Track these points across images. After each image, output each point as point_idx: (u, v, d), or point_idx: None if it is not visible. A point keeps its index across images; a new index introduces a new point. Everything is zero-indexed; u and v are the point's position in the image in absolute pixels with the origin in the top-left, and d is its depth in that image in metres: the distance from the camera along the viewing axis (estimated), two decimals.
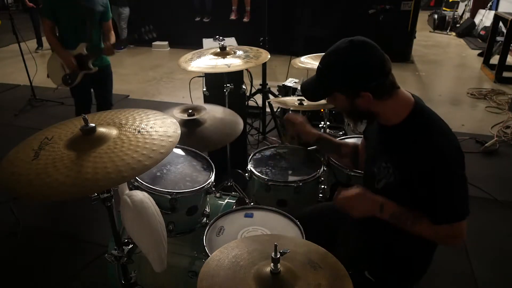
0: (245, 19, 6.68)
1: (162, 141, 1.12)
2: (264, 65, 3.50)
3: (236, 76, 2.57)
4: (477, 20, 8.25)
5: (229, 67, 2.03)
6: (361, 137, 1.70)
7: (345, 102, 1.25)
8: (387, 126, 1.28)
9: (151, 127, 1.19)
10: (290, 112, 1.78)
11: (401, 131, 1.24)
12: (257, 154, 2.03)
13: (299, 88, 3.30)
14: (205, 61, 2.12)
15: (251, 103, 3.45)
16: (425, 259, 1.40)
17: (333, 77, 1.23)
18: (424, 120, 1.22)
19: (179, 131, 1.19)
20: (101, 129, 1.15)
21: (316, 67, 1.29)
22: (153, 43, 7.38)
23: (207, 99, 2.61)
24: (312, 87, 1.34)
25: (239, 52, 2.21)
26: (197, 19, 7.06)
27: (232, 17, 6.71)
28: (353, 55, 1.19)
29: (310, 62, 2.65)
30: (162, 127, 1.20)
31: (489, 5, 8.08)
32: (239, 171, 2.66)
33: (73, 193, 0.97)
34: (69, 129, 1.22)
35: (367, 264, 1.36)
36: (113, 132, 1.16)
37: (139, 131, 1.16)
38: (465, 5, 9.13)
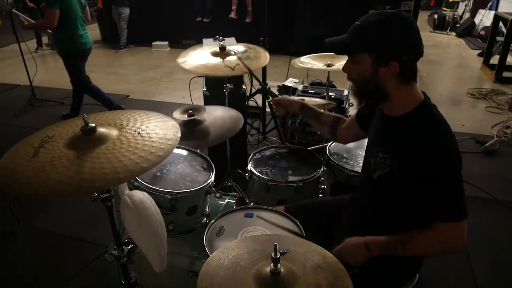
0: (247, 20, 6.64)
1: (161, 144, 1.12)
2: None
3: (236, 76, 2.57)
4: (477, 20, 8.25)
5: (233, 69, 2.02)
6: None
7: (369, 67, 1.20)
8: (389, 116, 1.28)
9: (151, 129, 1.18)
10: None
11: (403, 123, 1.23)
12: (257, 154, 2.03)
13: (299, 88, 3.30)
14: (205, 60, 2.11)
15: (251, 103, 3.44)
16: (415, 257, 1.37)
17: (372, 35, 1.17)
18: (429, 117, 1.20)
19: (179, 134, 1.19)
20: (101, 130, 1.15)
21: (352, 26, 1.23)
22: (153, 43, 7.38)
23: (207, 99, 2.61)
24: (341, 40, 1.26)
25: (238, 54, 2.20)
26: (198, 19, 7.06)
27: (232, 15, 6.69)
28: (398, 22, 1.16)
29: (310, 62, 2.65)
30: (162, 129, 1.19)
31: (489, 5, 8.08)
32: (239, 171, 2.66)
33: (68, 192, 0.96)
34: (70, 128, 1.21)
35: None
36: (113, 132, 1.15)
37: (139, 133, 1.15)
38: (465, 5, 9.13)
